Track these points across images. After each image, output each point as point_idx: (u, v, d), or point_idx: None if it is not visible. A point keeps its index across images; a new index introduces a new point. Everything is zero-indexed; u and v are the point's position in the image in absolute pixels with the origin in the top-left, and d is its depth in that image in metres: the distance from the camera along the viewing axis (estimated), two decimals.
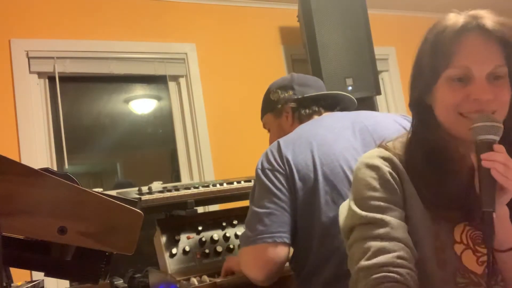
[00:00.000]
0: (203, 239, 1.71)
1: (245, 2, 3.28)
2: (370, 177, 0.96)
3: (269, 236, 1.27)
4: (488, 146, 0.85)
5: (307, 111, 1.55)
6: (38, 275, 1.84)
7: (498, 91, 0.89)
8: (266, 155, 1.39)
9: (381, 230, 0.89)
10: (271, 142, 1.66)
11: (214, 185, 1.85)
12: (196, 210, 1.74)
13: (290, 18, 3.23)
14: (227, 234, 1.76)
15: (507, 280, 0.90)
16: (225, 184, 1.87)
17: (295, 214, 1.31)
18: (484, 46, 0.89)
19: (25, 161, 2.40)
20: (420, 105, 0.99)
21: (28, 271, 2.06)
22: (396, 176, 0.96)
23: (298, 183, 1.31)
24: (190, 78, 2.99)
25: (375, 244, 0.88)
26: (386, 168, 0.96)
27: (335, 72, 2.80)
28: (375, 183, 0.95)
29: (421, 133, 0.98)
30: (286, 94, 1.58)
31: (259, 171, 1.36)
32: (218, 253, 1.70)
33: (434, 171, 0.94)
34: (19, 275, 1.19)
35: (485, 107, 0.88)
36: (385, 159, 0.98)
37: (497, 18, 0.90)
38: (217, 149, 2.95)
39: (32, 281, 1.21)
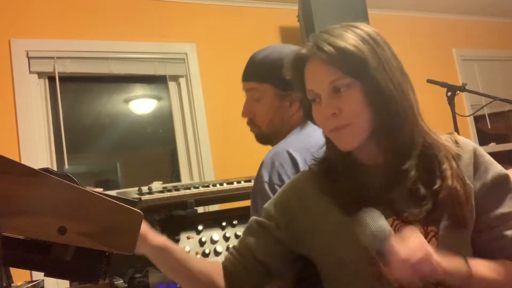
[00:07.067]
0: (203, 239, 1.71)
1: (245, 2, 3.28)
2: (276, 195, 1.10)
3: None
4: (384, 257, 0.82)
5: None
6: (38, 275, 1.84)
7: (342, 102, 0.93)
8: (277, 170, 1.21)
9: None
10: (246, 110, 1.53)
11: (214, 185, 1.85)
12: (196, 210, 1.75)
13: (290, 18, 3.24)
14: (227, 234, 1.76)
15: None
16: (225, 184, 1.87)
17: None
18: (319, 67, 0.94)
19: (25, 161, 2.40)
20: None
21: (28, 271, 2.06)
22: (296, 201, 1.03)
23: None
24: (190, 78, 2.99)
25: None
26: (287, 195, 1.06)
27: None
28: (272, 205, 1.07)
29: (326, 144, 1.05)
30: None
31: (266, 186, 1.20)
32: (218, 253, 1.70)
33: (342, 178, 0.99)
34: (19, 275, 1.19)
35: (336, 123, 0.93)
36: (299, 180, 1.07)
37: (329, 40, 0.93)
38: (217, 149, 2.95)
39: (32, 281, 1.22)
